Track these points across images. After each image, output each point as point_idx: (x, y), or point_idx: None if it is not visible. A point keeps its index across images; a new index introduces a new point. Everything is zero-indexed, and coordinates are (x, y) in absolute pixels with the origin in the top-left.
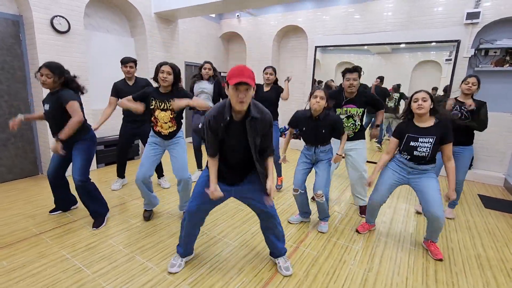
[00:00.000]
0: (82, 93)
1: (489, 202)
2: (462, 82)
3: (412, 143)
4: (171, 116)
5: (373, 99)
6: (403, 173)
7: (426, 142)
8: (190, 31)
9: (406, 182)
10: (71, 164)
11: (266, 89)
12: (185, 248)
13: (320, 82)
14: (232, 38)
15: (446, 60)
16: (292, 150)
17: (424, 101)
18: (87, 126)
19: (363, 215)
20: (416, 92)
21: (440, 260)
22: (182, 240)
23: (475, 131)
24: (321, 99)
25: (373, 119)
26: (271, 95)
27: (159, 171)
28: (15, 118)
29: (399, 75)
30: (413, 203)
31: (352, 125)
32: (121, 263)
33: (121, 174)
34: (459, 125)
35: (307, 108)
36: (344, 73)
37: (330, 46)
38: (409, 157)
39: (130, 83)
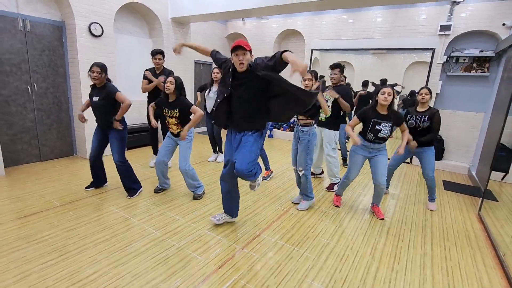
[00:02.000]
0: None
1: (448, 185)
2: (417, 93)
3: (377, 127)
4: (176, 122)
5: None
6: (365, 153)
7: (387, 126)
8: (198, 32)
9: (367, 158)
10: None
11: None
12: (230, 209)
13: (322, 76)
14: (237, 39)
15: (438, 63)
16: (283, 140)
17: (389, 95)
18: None
19: (328, 190)
20: (384, 87)
21: (382, 219)
22: (225, 204)
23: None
24: (309, 81)
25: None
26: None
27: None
28: (80, 114)
29: (393, 75)
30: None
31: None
32: (155, 216)
33: (156, 151)
34: (415, 132)
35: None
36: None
37: (324, 49)
38: (373, 137)
39: (158, 72)
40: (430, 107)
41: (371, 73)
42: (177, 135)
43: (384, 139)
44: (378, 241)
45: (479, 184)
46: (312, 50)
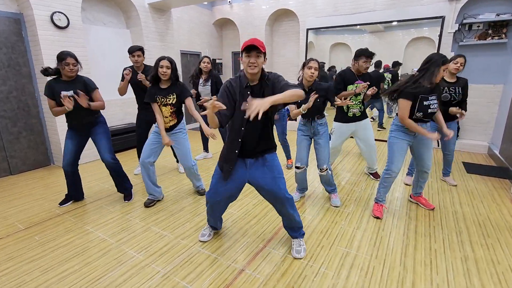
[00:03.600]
0: None
1: (471, 168)
2: (451, 61)
3: (425, 102)
4: (171, 111)
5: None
6: (410, 138)
7: (434, 99)
8: (183, 19)
9: (411, 144)
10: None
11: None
12: (215, 223)
13: (333, 67)
14: (225, 25)
15: (439, 35)
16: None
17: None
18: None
19: (377, 178)
20: (457, 56)
21: (433, 209)
22: (211, 219)
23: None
24: (315, 70)
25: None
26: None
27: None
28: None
29: (393, 53)
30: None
31: (358, 103)
32: (139, 233)
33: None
34: (450, 103)
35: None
36: (359, 56)
37: (321, 28)
38: (422, 115)
39: (138, 71)
40: (457, 77)
41: None
42: (169, 129)
43: (432, 116)
44: (407, 245)
45: (506, 164)
46: (308, 30)
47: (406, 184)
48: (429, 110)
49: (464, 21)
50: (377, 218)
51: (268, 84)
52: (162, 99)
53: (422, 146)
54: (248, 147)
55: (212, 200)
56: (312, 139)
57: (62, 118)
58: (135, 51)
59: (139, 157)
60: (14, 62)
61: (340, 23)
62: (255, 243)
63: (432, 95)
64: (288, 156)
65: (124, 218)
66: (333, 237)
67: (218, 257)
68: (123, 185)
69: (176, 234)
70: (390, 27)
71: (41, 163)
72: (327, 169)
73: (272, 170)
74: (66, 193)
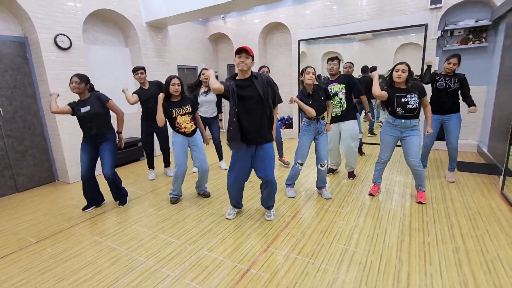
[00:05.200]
0: None
1: (462, 166)
2: (446, 61)
3: (403, 100)
4: (189, 118)
5: (352, 81)
6: (397, 133)
7: (413, 97)
8: (179, 36)
9: (400, 138)
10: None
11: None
12: (236, 203)
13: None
14: (219, 39)
15: (432, 38)
16: (286, 139)
17: (403, 72)
18: (111, 125)
19: (351, 178)
20: (450, 57)
21: (419, 203)
22: (232, 199)
23: (460, 99)
24: (312, 74)
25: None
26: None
27: (166, 161)
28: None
29: (382, 60)
30: (396, 171)
31: (338, 102)
32: (147, 241)
33: (151, 165)
34: (444, 95)
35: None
36: (327, 61)
37: (311, 39)
38: (403, 111)
39: (145, 87)
40: (455, 73)
41: (360, 61)
42: (191, 133)
43: (414, 111)
44: (402, 240)
45: (494, 161)
46: (299, 41)
47: (451, 182)
48: (408, 106)
49: (446, 28)
50: (371, 195)
51: (255, 81)
52: (180, 110)
53: (406, 143)
54: (249, 134)
55: (231, 177)
56: (314, 138)
57: (66, 135)
58: (139, 69)
59: (149, 163)
60: (19, 83)
61: (330, 34)
62: (259, 245)
63: (412, 93)
64: (281, 155)
65: (132, 227)
66: (332, 236)
67: (224, 259)
68: (120, 194)
69: (183, 240)
70: (379, 35)
71: (46, 180)
72: (325, 164)
73: (270, 158)
74: (86, 204)
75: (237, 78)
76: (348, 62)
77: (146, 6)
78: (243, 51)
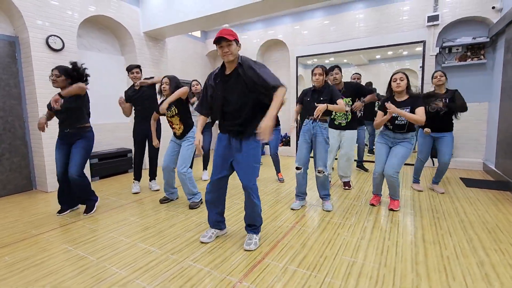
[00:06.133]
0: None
1: (470, 182)
2: (432, 77)
3: (393, 114)
4: (178, 119)
5: (358, 87)
6: (388, 142)
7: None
8: (177, 49)
9: (391, 147)
10: None
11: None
12: (215, 218)
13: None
14: (218, 56)
15: (420, 67)
16: (283, 157)
17: (401, 80)
18: (89, 124)
19: (346, 187)
20: (434, 72)
21: (391, 209)
22: (211, 213)
23: (453, 119)
24: (319, 75)
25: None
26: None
27: (152, 172)
28: (41, 122)
29: (378, 84)
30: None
31: (343, 115)
32: (123, 250)
33: (138, 175)
34: (438, 113)
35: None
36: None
37: (310, 55)
38: (392, 126)
39: (137, 88)
40: (447, 89)
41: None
42: (180, 136)
43: (403, 127)
44: (416, 253)
45: (505, 177)
46: (297, 57)
47: (441, 193)
48: (396, 122)
49: (444, 45)
50: (372, 205)
51: (240, 71)
52: (168, 112)
53: (390, 151)
54: (232, 126)
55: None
56: (312, 142)
57: (47, 135)
58: (134, 68)
59: (135, 173)
60: (4, 83)
61: (327, 50)
62: (252, 256)
63: (407, 107)
64: (278, 170)
65: (108, 236)
66: (337, 247)
67: (211, 270)
68: (86, 197)
69: (165, 249)
70: (374, 60)
71: (22, 188)
72: (323, 172)
73: (251, 157)
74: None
75: (225, 73)
76: (356, 73)
77: (145, 15)
78: (221, 40)
